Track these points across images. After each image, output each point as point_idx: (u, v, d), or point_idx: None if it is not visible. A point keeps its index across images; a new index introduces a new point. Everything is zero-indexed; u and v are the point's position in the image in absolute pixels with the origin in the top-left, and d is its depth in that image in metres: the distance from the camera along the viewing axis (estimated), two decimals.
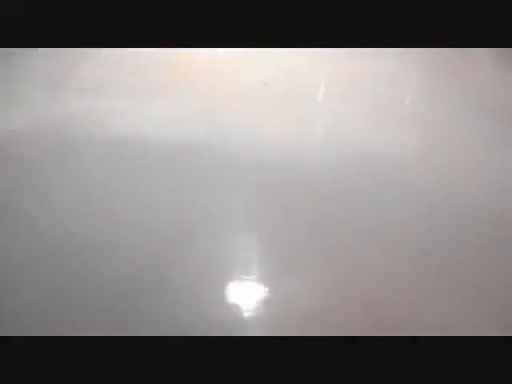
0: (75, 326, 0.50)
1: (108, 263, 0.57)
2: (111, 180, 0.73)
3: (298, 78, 1.08)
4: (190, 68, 1.11)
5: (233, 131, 0.85)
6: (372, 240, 0.62)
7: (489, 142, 0.86)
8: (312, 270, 0.58)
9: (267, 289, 0.56)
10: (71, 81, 1.00)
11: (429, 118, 0.95)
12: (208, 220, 0.64)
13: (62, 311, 0.52)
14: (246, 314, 0.54)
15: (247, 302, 0.55)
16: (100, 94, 0.94)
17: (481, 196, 0.70)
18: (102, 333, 0.48)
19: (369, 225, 0.64)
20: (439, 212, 0.67)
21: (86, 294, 0.53)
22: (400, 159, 0.79)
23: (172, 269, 0.57)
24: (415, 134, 0.87)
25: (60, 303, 0.53)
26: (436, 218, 0.66)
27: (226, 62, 1.10)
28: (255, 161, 0.76)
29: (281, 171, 0.74)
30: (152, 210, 0.66)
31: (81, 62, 1.08)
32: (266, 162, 0.76)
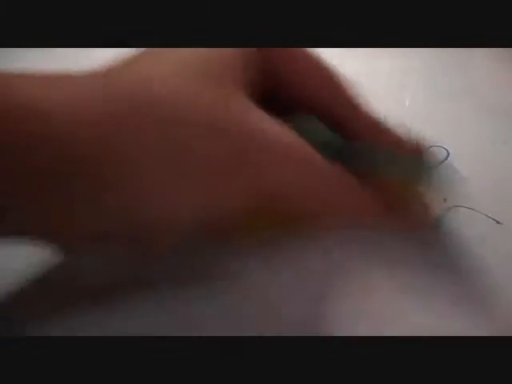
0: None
1: None
2: None
3: None
4: None
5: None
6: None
7: (489, 143, 0.87)
8: None
9: None
10: None
11: (429, 118, 0.96)
12: None
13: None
14: None
15: None
16: None
17: (482, 197, 0.71)
18: (100, 332, 0.48)
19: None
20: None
21: None
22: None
23: None
24: (415, 133, 0.88)
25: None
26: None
27: None
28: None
29: None
30: None
31: (79, 62, 1.08)
32: None
